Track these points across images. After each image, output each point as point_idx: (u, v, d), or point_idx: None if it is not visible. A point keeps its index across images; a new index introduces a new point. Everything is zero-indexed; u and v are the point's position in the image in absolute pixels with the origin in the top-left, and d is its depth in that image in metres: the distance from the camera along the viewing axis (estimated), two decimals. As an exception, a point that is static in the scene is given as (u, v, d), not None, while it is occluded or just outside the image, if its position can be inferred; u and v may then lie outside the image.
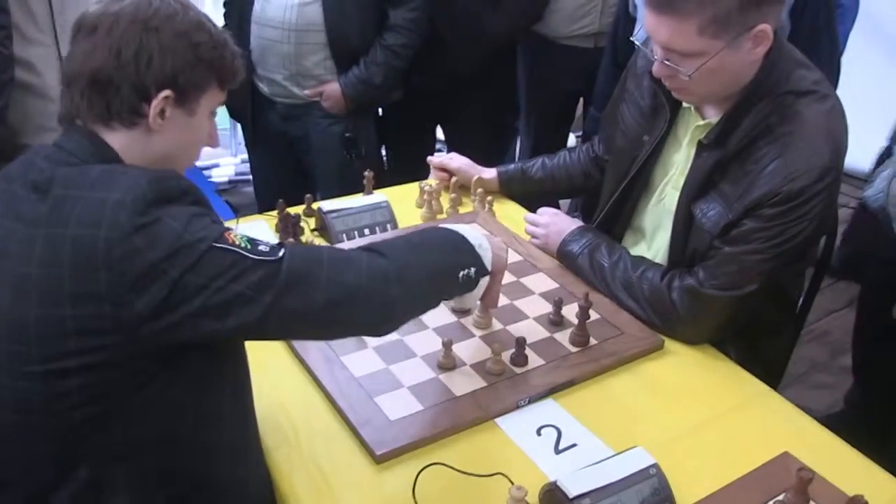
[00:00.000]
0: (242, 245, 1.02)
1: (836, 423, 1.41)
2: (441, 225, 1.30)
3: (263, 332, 1.06)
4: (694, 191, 1.51)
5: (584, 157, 1.95)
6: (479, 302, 1.52)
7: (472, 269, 1.24)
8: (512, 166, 2.04)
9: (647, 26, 1.40)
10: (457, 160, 2.03)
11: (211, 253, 0.99)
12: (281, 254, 1.03)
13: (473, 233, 1.28)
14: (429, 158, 2.11)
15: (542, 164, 1.99)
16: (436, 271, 1.20)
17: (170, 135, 1.11)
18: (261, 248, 1.03)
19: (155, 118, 1.08)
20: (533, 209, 1.89)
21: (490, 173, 2.02)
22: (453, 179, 2.00)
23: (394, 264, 1.12)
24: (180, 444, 1.09)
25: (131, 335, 0.97)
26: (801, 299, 1.84)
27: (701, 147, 1.50)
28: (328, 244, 1.79)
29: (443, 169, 2.05)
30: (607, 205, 1.74)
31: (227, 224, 1.09)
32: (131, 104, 1.07)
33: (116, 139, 1.09)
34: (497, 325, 1.53)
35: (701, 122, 1.51)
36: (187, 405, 1.07)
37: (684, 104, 1.56)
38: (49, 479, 1.04)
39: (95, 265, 0.96)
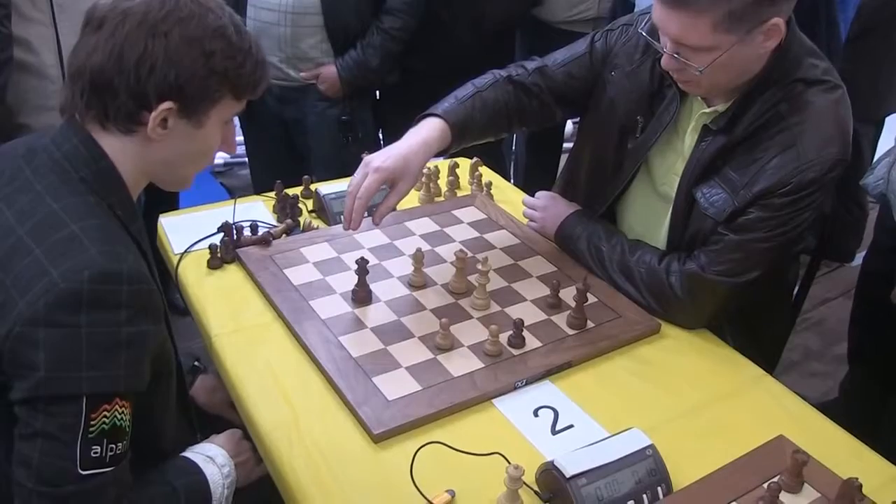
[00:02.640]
0: (95, 428, 0.97)
1: (831, 410, 1.41)
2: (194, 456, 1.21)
3: None
4: (696, 174, 1.50)
5: (524, 77, 1.68)
6: (478, 283, 1.52)
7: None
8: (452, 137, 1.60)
9: (657, 19, 1.37)
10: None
11: (69, 404, 0.96)
12: (91, 472, 0.97)
13: (217, 473, 1.20)
14: None
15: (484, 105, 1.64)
16: None
17: (172, 145, 1.07)
18: (94, 447, 0.97)
19: (154, 128, 1.03)
20: (533, 184, 1.86)
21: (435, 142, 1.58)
22: (451, 161, 2.00)
23: None
24: None
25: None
26: (798, 285, 1.85)
27: (706, 131, 1.49)
28: (326, 223, 1.79)
29: None
30: (595, 185, 1.72)
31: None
32: (129, 111, 1.02)
33: (112, 143, 1.06)
34: (495, 307, 1.54)
35: (707, 110, 1.50)
36: None
37: None
38: None
39: (3, 331, 0.96)
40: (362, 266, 1.51)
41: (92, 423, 0.97)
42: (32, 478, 0.96)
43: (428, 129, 1.55)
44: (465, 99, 1.61)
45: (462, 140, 1.61)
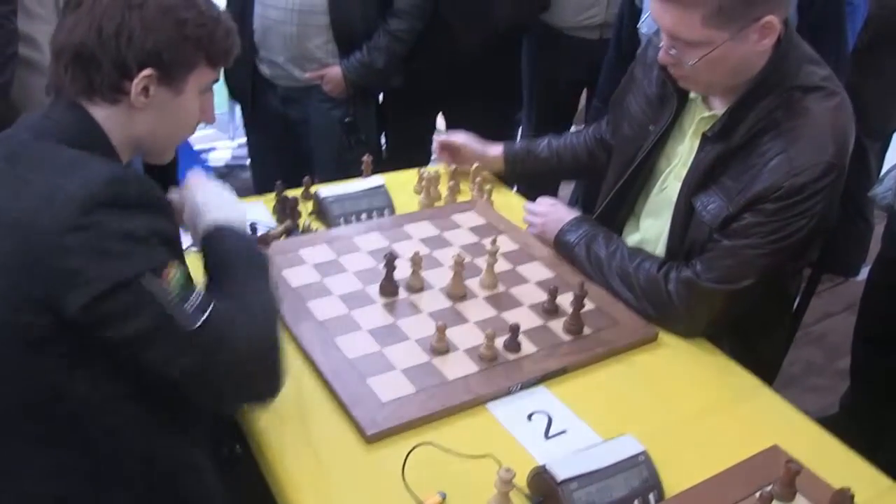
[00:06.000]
0: (173, 292, 0.99)
1: (831, 425, 1.40)
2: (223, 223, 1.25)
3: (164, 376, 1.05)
4: (695, 184, 1.50)
5: (590, 137, 1.94)
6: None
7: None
8: (518, 145, 2.03)
9: (653, 13, 1.40)
10: (462, 136, 2.01)
11: (136, 284, 0.97)
12: (202, 319, 1.01)
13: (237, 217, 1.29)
14: (435, 136, 2.07)
15: (549, 144, 1.97)
16: (270, 295, 1.18)
17: (155, 113, 1.11)
18: (188, 303, 1.01)
19: (137, 96, 1.07)
20: (536, 190, 1.88)
21: (496, 150, 1.99)
22: (452, 166, 1.99)
23: (272, 325, 1.14)
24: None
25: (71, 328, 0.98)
26: (798, 298, 1.84)
27: (704, 140, 1.49)
28: (326, 226, 1.79)
29: (447, 147, 2.02)
30: (610, 193, 1.73)
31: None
32: (112, 81, 1.07)
33: (99, 113, 1.09)
34: (492, 311, 1.53)
35: (707, 114, 1.50)
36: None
37: (692, 94, 1.55)
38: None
39: (29, 256, 0.96)
40: (390, 261, 1.53)
41: (171, 282, 1.00)
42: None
43: None
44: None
45: None
